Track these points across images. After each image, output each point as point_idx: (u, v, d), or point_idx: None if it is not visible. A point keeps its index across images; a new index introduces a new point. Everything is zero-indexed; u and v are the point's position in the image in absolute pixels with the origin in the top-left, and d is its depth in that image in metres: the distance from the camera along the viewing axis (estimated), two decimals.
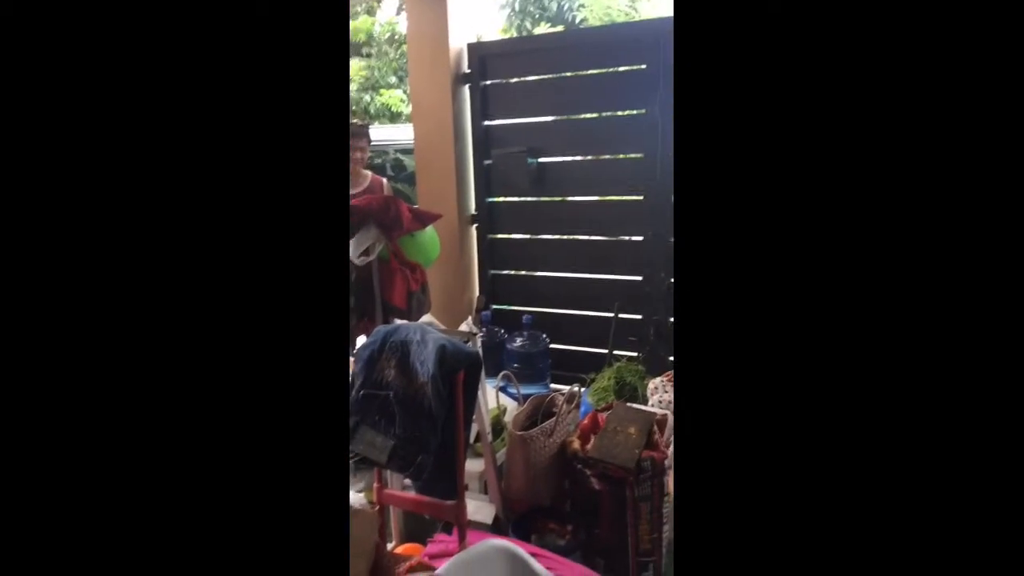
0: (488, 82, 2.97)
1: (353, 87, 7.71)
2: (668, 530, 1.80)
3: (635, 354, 2.80)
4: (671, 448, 1.93)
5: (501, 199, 3.12)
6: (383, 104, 7.81)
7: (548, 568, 1.35)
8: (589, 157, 2.92)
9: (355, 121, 2.65)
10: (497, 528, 1.82)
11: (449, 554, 1.44)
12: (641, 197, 2.80)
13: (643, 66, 2.67)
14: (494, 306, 3.21)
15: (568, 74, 2.88)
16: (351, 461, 1.55)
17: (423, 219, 2.32)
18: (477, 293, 3.21)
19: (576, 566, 1.57)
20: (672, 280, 2.79)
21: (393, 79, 8.07)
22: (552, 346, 2.92)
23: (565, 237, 3.05)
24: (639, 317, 2.88)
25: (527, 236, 3.14)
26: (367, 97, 7.80)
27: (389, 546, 1.74)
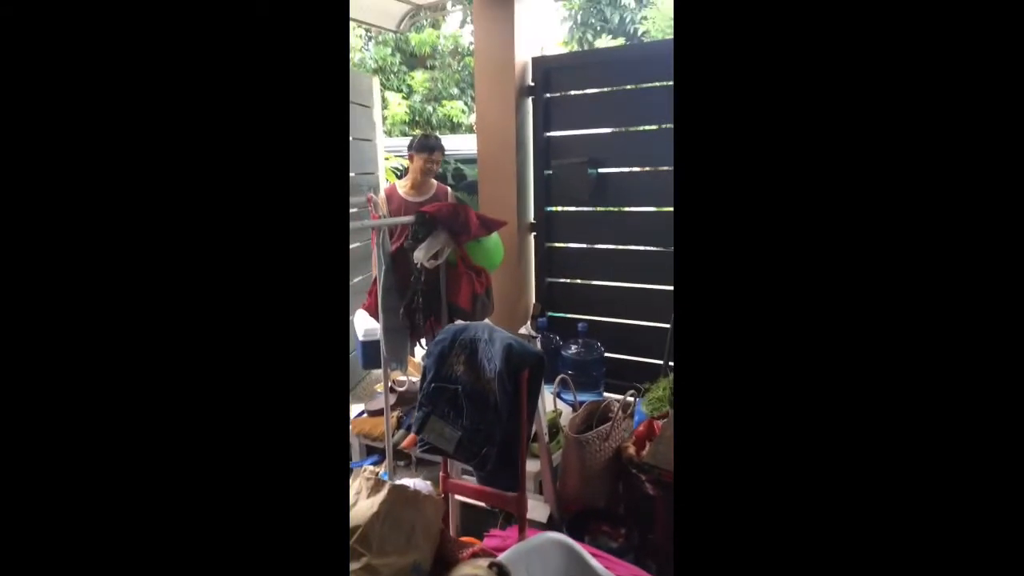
0: (550, 95, 3.05)
1: (417, 98, 7.95)
2: None
3: None
4: None
5: (560, 208, 3.18)
6: (445, 115, 8.03)
7: (603, 566, 1.40)
8: (647, 168, 2.95)
9: (432, 134, 2.81)
10: (551, 526, 1.87)
11: (505, 547, 1.50)
12: None
13: None
14: (550, 313, 3.27)
15: (629, 87, 2.93)
16: (418, 451, 1.64)
17: (489, 226, 2.41)
18: (534, 300, 3.28)
19: (629, 566, 1.60)
20: None
21: (455, 90, 8.28)
22: (606, 355, 2.95)
23: (621, 247, 3.09)
24: None
25: (584, 245, 3.19)
26: (430, 108, 8.03)
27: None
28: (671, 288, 2.96)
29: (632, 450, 1.88)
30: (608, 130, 3.00)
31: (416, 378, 2.26)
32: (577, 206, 3.13)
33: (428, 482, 1.99)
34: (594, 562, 1.38)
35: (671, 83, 2.81)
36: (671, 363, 2.77)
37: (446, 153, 2.97)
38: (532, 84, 3.06)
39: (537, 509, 1.92)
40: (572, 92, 3.04)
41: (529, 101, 3.08)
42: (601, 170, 2.98)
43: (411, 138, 2.84)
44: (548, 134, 3.09)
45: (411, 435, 1.64)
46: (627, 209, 3.05)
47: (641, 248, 3.03)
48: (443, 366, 1.60)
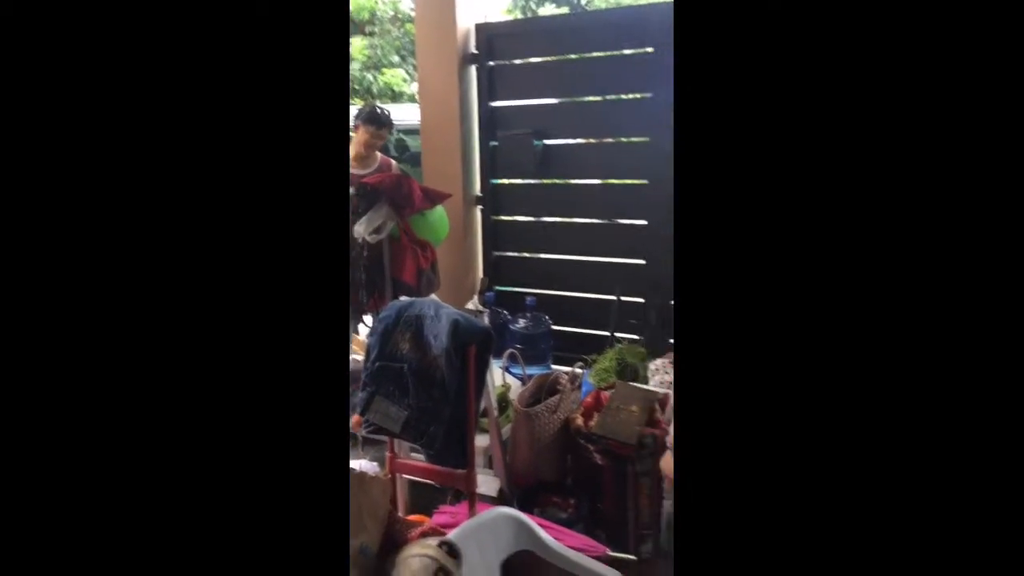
0: (495, 63, 2.98)
1: (355, 66, 7.65)
2: (668, 505, 1.86)
3: (636, 336, 2.84)
4: (672, 426, 1.98)
5: (506, 181, 3.14)
6: (385, 84, 7.76)
7: (553, 537, 1.41)
8: (593, 140, 2.94)
9: (383, 107, 2.66)
10: (502, 501, 1.87)
11: (455, 524, 1.49)
12: (645, 182, 2.83)
13: (649, 49, 2.68)
14: (497, 287, 3.24)
15: (574, 56, 2.89)
16: (364, 431, 1.59)
17: (433, 198, 2.34)
18: (481, 274, 3.25)
19: (579, 536, 1.62)
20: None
21: (396, 58, 8.01)
22: (554, 328, 2.96)
23: (569, 220, 3.08)
24: (641, 300, 2.92)
25: (531, 218, 3.17)
26: (370, 76, 7.75)
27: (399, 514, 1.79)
28: (618, 261, 2.99)
29: (580, 421, 1.89)
30: (554, 100, 2.96)
31: (360, 356, 2.20)
32: (523, 178, 3.09)
33: (375, 463, 1.95)
34: (544, 534, 1.38)
35: (617, 52, 2.79)
36: (616, 334, 2.81)
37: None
38: (476, 52, 2.97)
39: (487, 484, 1.92)
40: (516, 61, 2.97)
41: (473, 70, 3.00)
42: (547, 141, 2.95)
43: (358, 108, 2.69)
44: (493, 104, 3.02)
45: (355, 416, 1.59)
46: (574, 181, 3.04)
47: (588, 221, 3.03)
48: (388, 344, 1.55)
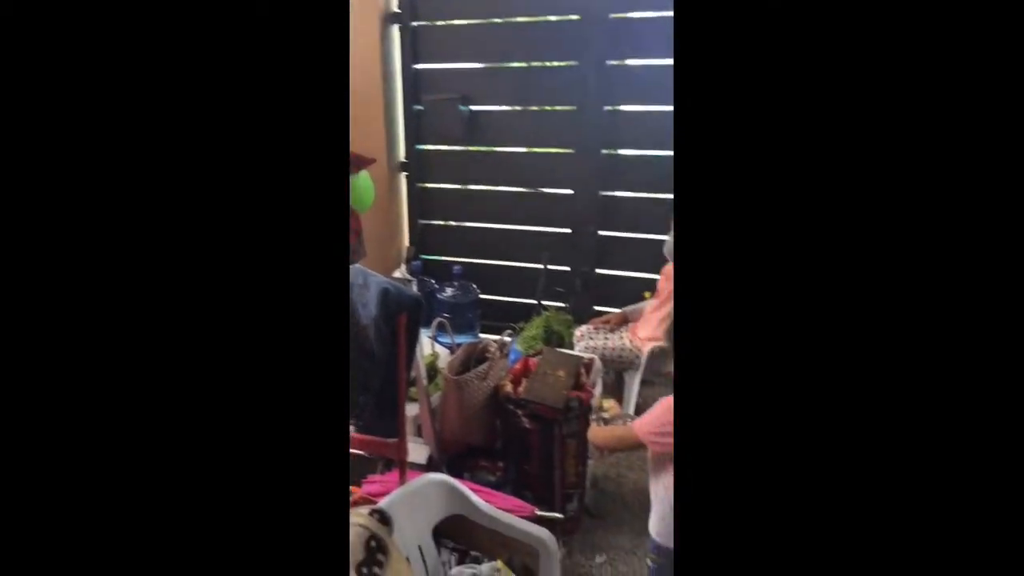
0: (418, 23, 2.88)
1: None
2: (592, 464, 1.94)
3: (563, 304, 2.91)
4: (597, 388, 2.06)
5: (431, 147, 3.08)
6: None
7: (482, 500, 1.44)
8: (519, 108, 2.93)
9: None
10: (431, 467, 1.88)
11: (385, 492, 1.49)
12: (571, 151, 2.86)
13: (575, 17, 2.68)
14: (424, 256, 3.20)
15: (499, 20, 2.84)
16: None
17: (358, 164, 2.25)
18: (407, 243, 3.19)
19: (507, 497, 1.67)
20: (599, 231, 2.90)
21: None
22: (481, 296, 2.98)
23: (496, 188, 3.07)
24: (567, 269, 2.98)
25: (458, 186, 3.13)
26: None
27: None
28: (544, 229, 3.03)
29: (509, 387, 1.92)
30: (480, 65, 2.91)
31: None
32: (449, 145, 3.04)
33: None
34: (474, 498, 1.41)
35: (543, 19, 2.77)
36: (543, 302, 2.86)
37: None
38: (398, 11, 2.86)
39: (416, 451, 1.92)
40: (440, 22, 2.88)
41: (395, 30, 2.88)
42: (474, 107, 2.90)
43: None
44: (416, 67, 2.93)
45: None
46: (501, 149, 3.02)
47: (516, 189, 3.04)
48: None
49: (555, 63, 2.81)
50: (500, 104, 2.94)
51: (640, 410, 2.43)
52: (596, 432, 1.56)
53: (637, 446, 1.38)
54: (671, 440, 1.29)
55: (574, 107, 2.79)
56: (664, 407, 1.32)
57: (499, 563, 1.38)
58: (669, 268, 2.38)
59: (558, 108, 2.86)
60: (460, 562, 1.44)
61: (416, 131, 3.02)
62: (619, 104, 2.73)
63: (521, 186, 3.03)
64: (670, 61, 2.65)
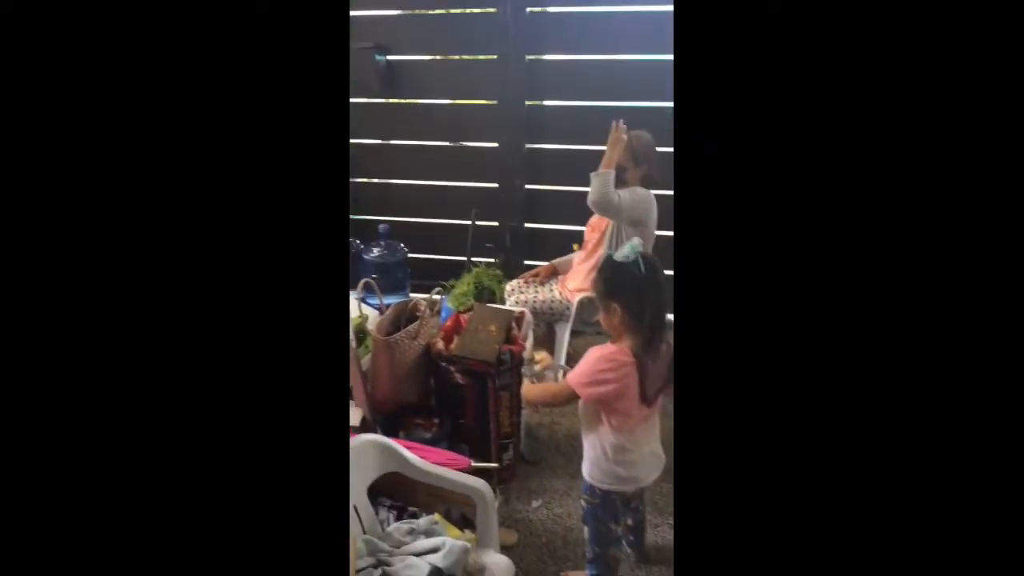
0: None
1: None
2: (525, 414, 1.98)
3: (492, 260, 2.90)
4: (528, 341, 2.09)
5: (349, 100, 2.92)
6: None
7: (418, 456, 1.44)
8: (440, 57, 2.82)
9: None
10: (365, 429, 1.86)
11: None
12: (495, 102, 2.80)
13: None
14: (349, 216, 3.08)
15: None
16: None
17: None
18: None
19: (442, 452, 1.68)
20: (525, 185, 2.89)
21: None
22: (410, 255, 2.92)
23: (419, 143, 2.98)
24: (495, 224, 2.96)
25: (378, 141, 3.01)
26: None
27: None
28: (471, 184, 2.98)
29: (441, 345, 1.91)
30: (395, 12, 2.76)
31: None
32: (367, 97, 2.90)
33: None
34: (409, 454, 1.41)
35: None
36: (472, 258, 2.84)
37: None
38: None
39: (349, 415, 1.90)
40: None
41: None
42: (390, 57, 2.77)
43: None
44: None
45: None
46: (422, 101, 2.92)
47: (438, 144, 2.96)
48: None
49: (474, 9, 2.71)
50: (418, 54, 2.83)
51: (571, 360, 2.50)
52: (530, 390, 1.58)
53: (572, 399, 1.40)
54: (603, 388, 1.33)
55: (495, 56, 2.72)
56: (594, 357, 1.35)
57: (436, 516, 1.40)
58: (595, 219, 2.41)
59: (480, 57, 2.78)
60: (398, 519, 1.45)
61: None
62: (542, 54, 2.68)
63: (444, 140, 2.95)
64: (590, 8, 2.61)
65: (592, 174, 2.04)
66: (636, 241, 1.33)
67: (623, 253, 1.31)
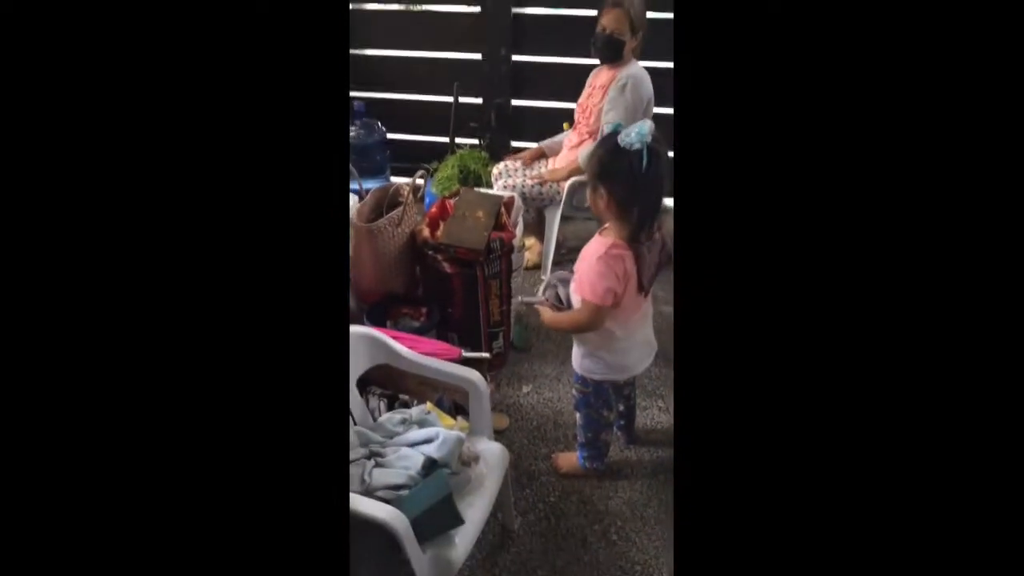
0: None
1: None
2: (515, 302, 1.94)
3: (477, 141, 2.73)
4: (518, 228, 2.00)
5: None
6: None
7: (408, 347, 1.40)
8: None
9: None
10: (351, 319, 1.82)
11: None
12: None
13: None
14: None
15: None
16: None
17: None
18: None
19: (432, 341, 1.65)
20: (512, 57, 2.65)
21: None
22: (389, 136, 2.73)
23: (400, 8, 2.68)
24: (480, 101, 2.75)
25: (352, 6, 2.70)
26: None
27: None
28: (452, 56, 2.73)
29: (427, 232, 1.83)
30: None
31: None
32: None
33: None
34: (397, 345, 1.37)
35: None
36: (456, 140, 2.66)
37: None
38: None
39: None
40: None
41: None
42: None
43: None
44: None
45: None
46: None
47: (427, 8, 2.66)
48: None
49: None
50: None
51: (560, 245, 2.43)
52: (556, 321, 1.46)
53: (602, 315, 1.31)
54: (617, 288, 1.28)
55: None
56: (592, 263, 1.29)
57: (428, 405, 1.39)
58: (585, 98, 2.23)
59: None
60: (389, 407, 1.44)
61: None
62: None
63: (433, 4, 2.65)
64: None
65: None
66: (647, 126, 1.19)
67: (629, 137, 1.18)
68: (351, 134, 2.61)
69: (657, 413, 1.81)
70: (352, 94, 2.77)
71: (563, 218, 2.35)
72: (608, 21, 2.03)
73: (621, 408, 1.63)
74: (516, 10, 2.55)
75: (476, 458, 1.24)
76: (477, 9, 2.60)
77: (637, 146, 1.17)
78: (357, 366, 1.34)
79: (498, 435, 1.71)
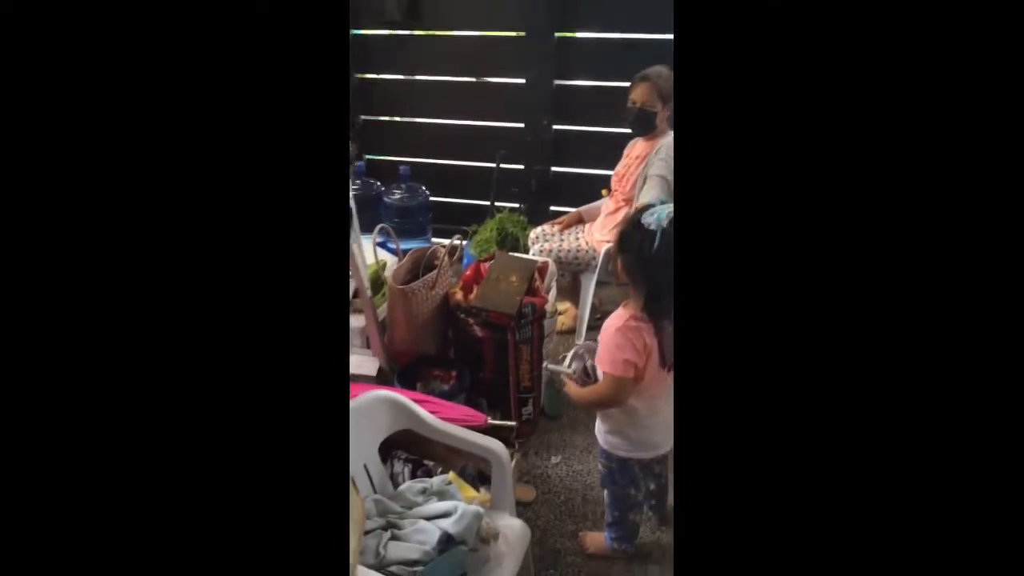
0: None
1: None
2: (546, 367, 1.91)
3: (517, 205, 2.78)
4: (551, 292, 1.99)
5: (370, 32, 2.76)
6: None
7: (432, 412, 1.39)
8: None
9: None
10: (382, 380, 1.82)
11: None
12: (523, 34, 2.60)
13: None
14: (367, 156, 2.97)
15: None
16: None
17: None
18: (349, 142, 2.94)
19: (459, 407, 1.63)
20: (553, 125, 2.72)
21: None
22: (432, 199, 2.81)
23: (445, 78, 2.81)
24: (521, 167, 2.81)
25: (403, 76, 2.86)
26: None
27: None
28: (497, 124, 2.82)
29: (460, 295, 1.84)
30: None
31: None
32: (389, 29, 2.73)
33: None
34: (421, 411, 1.36)
35: None
36: (496, 203, 2.72)
37: None
38: None
39: (366, 364, 1.86)
40: None
41: None
42: None
43: None
44: None
45: None
46: (449, 33, 2.73)
47: (467, 80, 2.78)
48: None
49: None
50: None
51: (595, 310, 2.40)
52: (580, 397, 1.44)
53: (626, 388, 1.29)
54: (634, 359, 1.27)
55: None
56: (610, 334, 1.29)
57: (451, 475, 1.36)
58: (621, 168, 2.26)
59: None
60: (413, 473, 1.42)
61: (352, 14, 2.69)
62: None
63: (470, 75, 2.78)
64: None
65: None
66: (667, 210, 1.21)
67: (652, 217, 1.20)
68: (396, 196, 2.70)
69: None
70: (398, 158, 2.90)
71: (598, 283, 2.33)
72: (637, 95, 2.07)
73: (652, 487, 1.55)
74: (558, 81, 2.64)
75: (496, 535, 1.19)
76: (522, 81, 2.70)
77: (654, 227, 1.18)
78: (380, 430, 1.33)
79: (524, 508, 1.65)
